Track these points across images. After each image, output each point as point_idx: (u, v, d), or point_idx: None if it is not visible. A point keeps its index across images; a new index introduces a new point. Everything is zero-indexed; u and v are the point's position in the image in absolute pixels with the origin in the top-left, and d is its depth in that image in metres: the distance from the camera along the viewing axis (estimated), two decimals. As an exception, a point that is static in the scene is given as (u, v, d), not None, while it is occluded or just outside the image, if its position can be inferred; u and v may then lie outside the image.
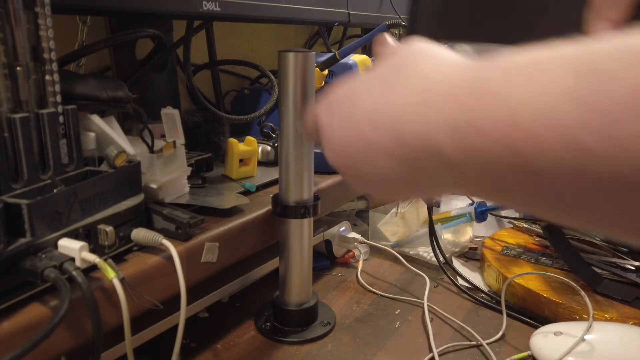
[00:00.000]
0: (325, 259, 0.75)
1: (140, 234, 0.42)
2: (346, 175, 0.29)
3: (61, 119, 0.38)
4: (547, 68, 0.18)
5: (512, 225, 0.82)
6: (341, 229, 0.74)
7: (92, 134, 0.43)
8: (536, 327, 0.56)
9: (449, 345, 0.55)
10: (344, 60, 0.69)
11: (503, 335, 0.57)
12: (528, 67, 0.19)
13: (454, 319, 0.60)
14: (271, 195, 0.56)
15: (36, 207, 0.34)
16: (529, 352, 0.53)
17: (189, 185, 0.54)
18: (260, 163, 0.69)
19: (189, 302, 0.45)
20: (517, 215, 0.85)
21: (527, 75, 0.19)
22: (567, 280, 0.60)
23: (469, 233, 0.79)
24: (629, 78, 0.15)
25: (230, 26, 0.89)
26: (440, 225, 0.75)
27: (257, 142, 0.67)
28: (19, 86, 0.35)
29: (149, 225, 0.45)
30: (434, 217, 0.73)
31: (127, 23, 0.61)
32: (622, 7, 0.25)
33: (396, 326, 0.59)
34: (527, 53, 0.20)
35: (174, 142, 0.50)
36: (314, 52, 0.49)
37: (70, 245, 0.35)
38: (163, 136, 0.51)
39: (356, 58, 0.76)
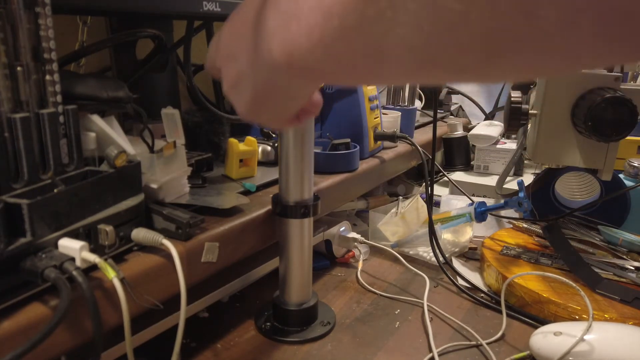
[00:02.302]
0: (325, 259, 0.75)
1: (140, 233, 0.42)
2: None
3: (61, 119, 0.38)
4: None
5: (511, 226, 0.82)
6: (341, 229, 0.74)
7: (93, 134, 0.43)
8: (536, 327, 0.56)
9: (448, 345, 0.55)
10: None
11: (503, 335, 0.57)
12: None
13: (454, 319, 0.60)
14: (271, 195, 0.56)
15: (36, 207, 0.34)
16: (528, 352, 0.53)
17: (189, 185, 0.54)
18: (260, 163, 0.69)
19: (189, 302, 0.45)
20: (517, 215, 0.85)
21: None
22: (567, 280, 0.60)
23: (468, 233, 0.79)
24: None
25: (231, 26, 0.89)
26: (440, 225, 0.75)
27: (257, 142, 0.67)
28: (20, 86, 0.35)
29: (149, 225, 0.45)
30: (433, 217, 0.73)
31: (127, 23, 0.61)
32: None
33: (396, 326, 0.59)
34: None
35: (174, 142, 0.50)
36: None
37: (70, 245, 0.36)
38: (163, 136, 0.51)
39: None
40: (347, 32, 0.20)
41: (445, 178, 1.00)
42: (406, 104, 1.01)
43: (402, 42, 0.19)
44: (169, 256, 0.42)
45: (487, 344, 0.55)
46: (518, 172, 1.04)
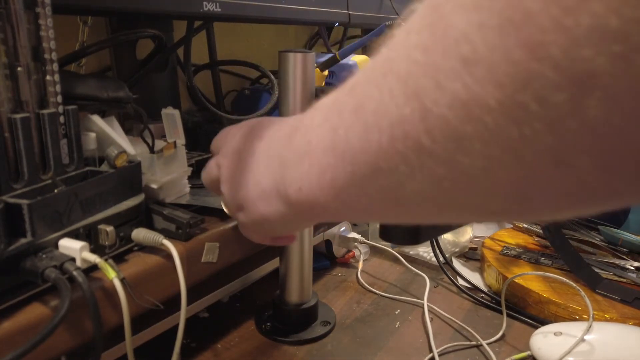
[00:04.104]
0: (326, 259, 0.75)
1: (140, 234, 0.42)
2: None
3: (62, 119, 0.38)
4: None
5: (512, 225, 0.82)
6: (341, 229, 0.74)
7: (93, 134, 0.43)
8: (536, 327, 0.56)
9: (449, 345, 0.55)
10: (344, 61, 0.69)
11: (503, 336, 0.57)
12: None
13: (454, 319, 0.60)
14: (271, 196, 0.56)
15: (37, 207, 0.34)
16: (528, 352, 0.53)
17: (190, 185, 0.54)
18: (260, 163, 0.68)
19: (189, 302, 0.45)
20: (517, 215, 0.85)
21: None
22: (567, 280, 0.60)
23: (468, 233, 0.79)
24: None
25: (231, 26, 0.89)
26: (440, 226, 0.75)
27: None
28: (20, 86, 0.35)
29: (150, 226, 0.45)
30: (434, 217, 0.73)
31: (127, 23, 0.61)
32: None
33: (396, 326, 0.59)
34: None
35: (175, 142, 0.50)
36: (314, 53, 0.49)
37: (70, 245, 0.36)
38: (163, 136, 0.51)
39: (356, 58, 0.76)
40: (360, 180, 0.20)
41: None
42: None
43: (419, 194, 0.18)
44: (169, 256, 0.42)
45: (488, 344, 0.55)
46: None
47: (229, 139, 0.37)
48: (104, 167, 0.42)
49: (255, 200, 0.31)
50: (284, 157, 0.26)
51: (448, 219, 0.21)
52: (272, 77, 0.74)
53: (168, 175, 0.49)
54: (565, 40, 0.12)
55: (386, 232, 0.38)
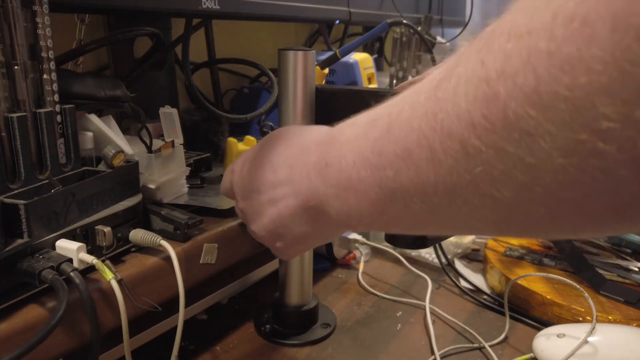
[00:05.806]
0: (326, 261, 0.75)
1: (138, 234, 0.41)
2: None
3: (59, 118, 0.37)
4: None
5: (513, 226, 0.81)
6: (342, 230, 0.74)
7: (90, 134, 0.42)
8: (539, 329, 0.56)
9: (451, 347, 0.54)
10: (344, 59, 0.69)
11: (506, 338, 0.56)
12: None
13: (456, 321, 0.59)
14: (271, 196, 0.56)
15: (34, 207, 0.33)
16: (531, 355, 0.53)
17: (188, 185, 0.53)
18: (260, 163, 0.68)
19: (187, 304, 0.45)
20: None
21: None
22: (571, 281, 0.60)
23: (470, 234, 0.79)
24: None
25: (230, 24, 0.89)
26: (441, 226, 0.74)
27: (257, 142, 0.66)
28: (17, 85, 0.34)
29: (147, 226, 0.44)
30: (435, 218, 0.72)
31: (125, 21, 0.60)
32: None
33: (398, 328, 0.58)
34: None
35: (173, 142, 0.50)
36: (314, 51, 0.49)
37: (67, 246, 0.35)
38: (161, 135, 0.50)
39: (357, 56, 0.76)
40: (416, 212, 0.21)
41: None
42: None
43: (476, 219, 0.20)
44: (167, 257, 0.41)
45: (490, 346, 0.54)
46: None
47: (239, 179, 0.38)
48: (101, 167, 0.42)
49: (290, 225, 0.32)
50: (319, 189, 0.27)
51: (496, 234, 0.25)
52: (272, 75, 0.74)
53: (166, 175, 0.49)
54: (635, 130, 0.14)
55: (392, 237, 0.38)
